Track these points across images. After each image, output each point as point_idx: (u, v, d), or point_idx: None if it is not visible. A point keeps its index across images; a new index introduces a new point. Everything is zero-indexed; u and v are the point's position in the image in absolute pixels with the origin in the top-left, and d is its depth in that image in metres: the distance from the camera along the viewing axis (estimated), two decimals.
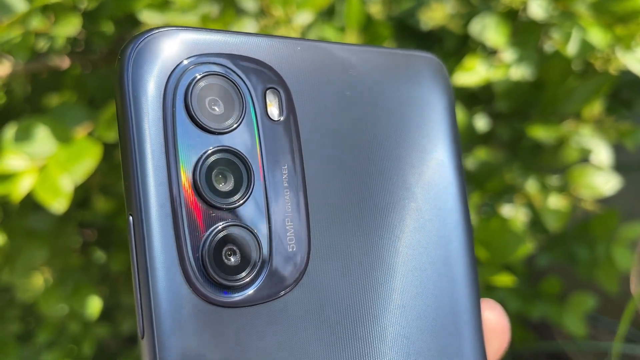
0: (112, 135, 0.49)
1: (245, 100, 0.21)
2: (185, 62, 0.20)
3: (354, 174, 0.22)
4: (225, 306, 0.19)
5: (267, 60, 0.21)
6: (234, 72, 0.21)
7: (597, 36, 0.48)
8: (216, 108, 0.20)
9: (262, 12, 0.47)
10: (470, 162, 0.54)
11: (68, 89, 0.57)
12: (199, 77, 0.20)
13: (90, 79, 0.55)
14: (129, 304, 0.77)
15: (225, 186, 0.20)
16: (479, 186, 0.54)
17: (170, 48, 0.19)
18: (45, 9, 0.43)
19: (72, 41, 0.53)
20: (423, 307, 0.23)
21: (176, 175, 0.19)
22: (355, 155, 0.23)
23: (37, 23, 0.43)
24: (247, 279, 0.20)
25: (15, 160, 0.47)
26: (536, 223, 0.58)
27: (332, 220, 0.22)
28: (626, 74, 0.53)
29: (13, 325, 0.80)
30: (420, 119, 0.24)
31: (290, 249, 0.21)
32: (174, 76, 0.19)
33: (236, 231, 0.20)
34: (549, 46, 0.54)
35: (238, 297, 0.20)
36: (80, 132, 0.50)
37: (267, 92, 0.21)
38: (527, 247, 0.49)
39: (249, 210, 0.20)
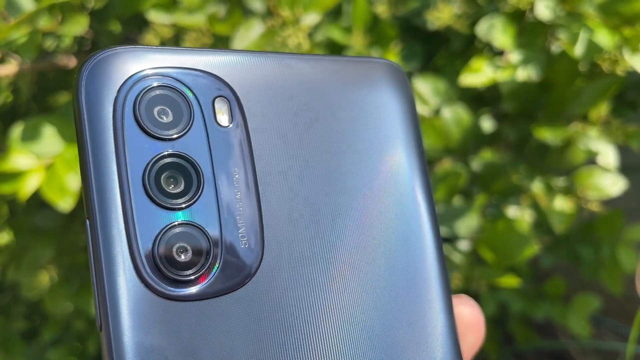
0: None
1: (193, 109, 0.22)
2: (134, 76, 0.21)
3: (308, 175, 0.23)
4: (177, 300, 0.20)
5: (215, 71, 0.23)
6: (182, 82, 0.22)
7: (605, 37, 0.48)
8: (164, 117, 0.21)
9: (270, 13, 0.47)
10: (476, 164, 0.54)
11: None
12: (147, 88, 0.21)
13: None
14: None
15: (175, 188, 0.21)
16: (485, 187, 0.54)
17: (121, 64, 0.21)
18: (52, 8, 0.43)
19: (79, 40, 0.53)
20: (387, 301, 0.23)
21: (126, 180, 0.20)
22: (310, 157, 0.24)
23: (44, 22, 0.43)
24: (199, 274, 0.21)
25: (22, 159, 0.47)
26: (541, 224, 0.58)
27: (287, 219, 0.23)
28: (632, 75, 0.53)
29: (18, 322, 0.80)
30: (375, 123, 0.25)
31: (243, 246, 0.22)
32: (124, 89, 0.21)
33: (186, 229, 0.21)
34: (555, 47, 0.54)
35: (189, 291, 0.21)
36: None
37: (216, 100, 0.22)
38: (533, 248, 0.49)
39: (200, 210, 0.21)
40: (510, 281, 0.50)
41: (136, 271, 0.20)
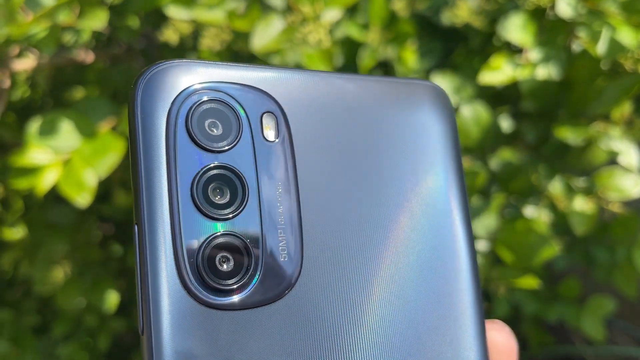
0: None
1: (242, 123, 0.23)
2: (188, 89, 0.22)
3: (350, 193, 0.24)
4: (217, 308, 0.21)
5: (265, 87, 0.23)
6: (233, 97, 0.23)
7: (627, 36, 0.48)
8: (214, 130, 0.22)
9: (289, 9, 0.46)
10: (495, 163, 0.54)
11: (91, 84, 0.57)
12: (199, 102, 0.22)
13: (114, 73, 0.55)
14: None
15: (221, 199, 0.22)
16: (504, 187, 0.53)
17: (175, 78, 0.22)
18: (71, 3, 0.43)
19: (97, 36, 0.53)
20: (421, 321, 0.24)
21: (176, 189, 0.21)
22: (352, 175, 0.24)
23: (64, 17, 0.43)
24: (239, 284, 0.22)
25: (40, 154, 0.47)
26: (557, 225, 0.58)
27: (327, 234, 0.23)
28: None
29: (30, 317, 0.81)
30: (418, 146, 0.25)
31: (282, 259, 0.22)
32: (177, 102, 0.22)
33: (230, 240, 0.22)
34: (576, 45, 0.53)
35: (230, 300, 0.21)
36: (104, 127, 0.50)
37: (264, 115, 0.23)
38: (553, 249, 0.48)
39: (243, 222, 0.22)
40: (529, 282, 0.49)
41: (180, 278, 0.21)
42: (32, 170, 0.47)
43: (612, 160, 0.53)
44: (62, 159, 0.47)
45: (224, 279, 0.21)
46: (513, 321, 0.78)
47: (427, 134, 0.26)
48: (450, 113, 0.27)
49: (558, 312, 0.72)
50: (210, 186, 0.22)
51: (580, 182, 0.54)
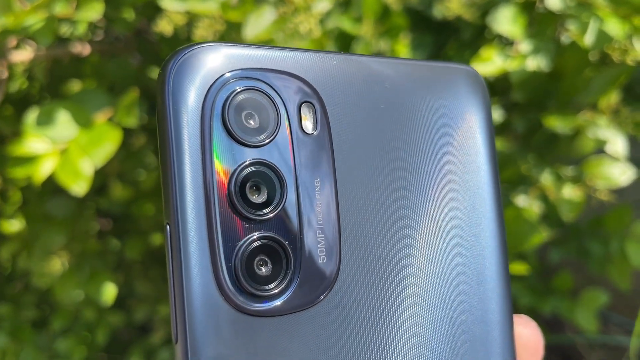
0: (131, 121, 0.50)
1: (280, 114, 0.21)
2: (223, 76, 0.20)
3: (388, 186, 0.23)
4: (255, 315, 0.20)
5: (303, 74, 0.22)
6: (271, 86, 0.21)
7: (615, 27, 0.48)
8: (252, 122, 0.21)
9: (281, 0, 0.47)
10: None
11: (88, 76, 0.57)
12: (236, 91, 0.21)
13: (110, 65, 0.56)
14: (143, 293, 0.78)
15: (258, 198, 0.21)
16: None
17: (210, 63, 0.20)
18: None
19: (93, 28, 0.54)
20: (454, 319, 0.23)
21: (212, 186, 0.20)
22: (390, 167, 0.23)
23: (60, 8, 0.44)
24: (278, 290, 0.20)
25: (37, 144, 0.48)
26: (549, 216, 0.58)
27: (365, 232, 0.22)
28: None
29: (28, 311, 0.81)
30: (456, 131, 0.24)
31: (321, 261, 0.21)
32: (213, 90, 0.20)
33: (268, 242, 0.21)
34: (565, 37, 0.54)
35: (268, 306, 0.20)
36: (101, 118, 0.51)
37: (302, 106, 0.22)
38: (541, 235, 0.49)
39: (281, 222, 0.21)
40: (518, 268, 0.50)
41: (217, 283, 0.19)
42: (29, 159, 0.48)
43: (600, 149, 0.54)
44: (59, 149, 0.48)
45: (262, 283, 0.20)
46: None
47: (466, 120, 0.24)
48: (486, 98, 0.26)
49: (552, 304, 0.73)
50: (247, 184, 0.20)
51: (569, 170, 0.55)
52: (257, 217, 0.20)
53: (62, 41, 0.51)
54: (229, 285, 0.20)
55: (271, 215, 0.21)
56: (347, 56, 0.23)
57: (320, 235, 0.21)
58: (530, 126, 0.56)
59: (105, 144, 0.48)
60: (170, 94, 0.20)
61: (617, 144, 0.50)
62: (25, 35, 0.46)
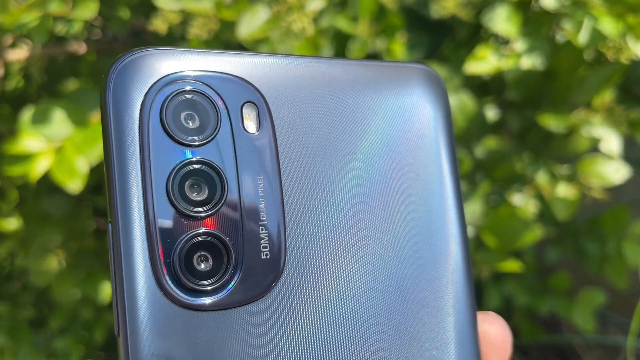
0: None
1: (220, 115, 0.22)
2: (163, 79, 0.21)
3: (336, 184, 0.23)
4: (195, 309, 0.20)
5: (245, 76, 0.22)
6: (211, 87, 0.22)
7: (609, 25, 0.48)
8: (191, 122, 0.21)
9: None
10: (480, 151, 0.55)
11: (84, 74, 0.58)
12: (174, 92, 0.21)
13: (107, 64, 0.56)
14: None
15: (198, 196, 0.21)
16: (489, 175, 0.54)
17: (149, 66, 0.21)
18: None
19: (89, 27, 0.54)
20: (408, 318, 0.23)
21: (150, 185, 0.20)
22: (338, 164, 0.23)
23: (55, 6, 0.44)
24: (218, 284, 0.21)
25: (32, 142, 0.48)
26: (545, 215, 0.58)
27: (313, 228, 0.22)
28: (638, 66, 0.53)
29: (26, 311, 0.81)
30: (410, 130, 0.24)
31: (264, 256, 0.21)
32: (151, 92, 0.21)
33: (208, 239, 0.21)
34: (560, 36, 0.54)
35: (208, 301, 0.20)
36: (96, 116, 0.51)
37: (244, 106, 0.22)
38: (536, 232, 0.49)
39: (222, 219, 0.21)
40: (512, 266, 0.50)
41: (156, 278, 0.20)
42: (25, 158, 0.48)
43: (594, 147, 0.54)
44: (55, 147, 0.48)
45: (201, 279, 0.21)
46: (505, 313, 0.79)
47: (419, 118, 0.24)
48: (443, 95, 0.25)
49: (549, 304, 0.73)
50: (186, 182, 0.21)
51: (563, 169, 0.55)
52: (196, 215, 0.21)
53: (58, 40, 0.52)
54: (167, 281, 0.20)
55: (211, 212, 0.21)
56: (295, 58, 0.23)
57: (264, 231, 0.22)
58: (525, 125, 0.56)
59: (100, 143, 0.48)
60: (110, 97, 0.20)
61: (612, 142, 0.50)
62: (20, 34, 0.46)
